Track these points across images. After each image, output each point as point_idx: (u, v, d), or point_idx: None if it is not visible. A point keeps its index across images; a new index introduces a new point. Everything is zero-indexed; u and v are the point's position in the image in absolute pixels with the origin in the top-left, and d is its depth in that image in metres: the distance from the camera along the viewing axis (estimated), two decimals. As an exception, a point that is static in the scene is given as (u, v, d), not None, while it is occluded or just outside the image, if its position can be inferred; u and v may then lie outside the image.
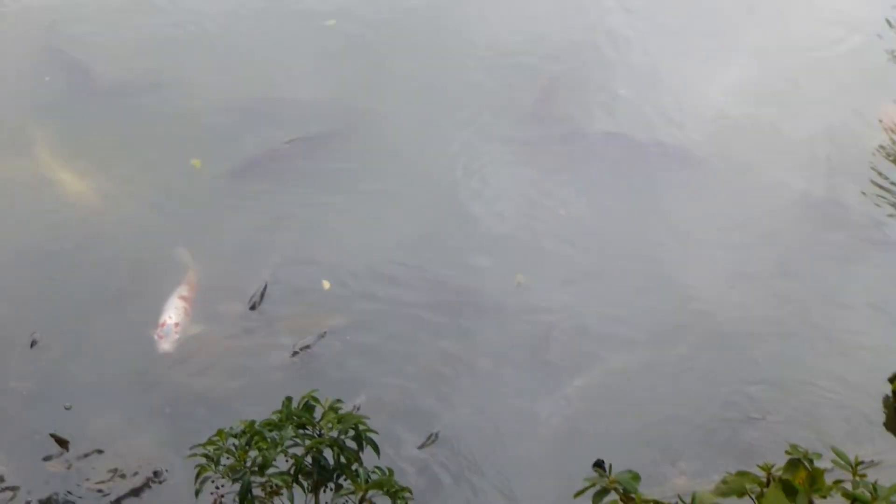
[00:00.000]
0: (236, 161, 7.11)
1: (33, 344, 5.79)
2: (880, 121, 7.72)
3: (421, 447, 5.35)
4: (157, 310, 5.97)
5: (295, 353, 5.81)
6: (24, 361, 5.71)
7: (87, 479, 5.12)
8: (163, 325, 5.81)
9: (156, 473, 5.17)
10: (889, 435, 5.56)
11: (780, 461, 3.39)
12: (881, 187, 7.18)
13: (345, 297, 6.26)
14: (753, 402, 5.69)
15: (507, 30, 8.46)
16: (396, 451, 5.24)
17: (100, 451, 5.26)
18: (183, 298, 5.99)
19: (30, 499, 5.00)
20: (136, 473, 5.16)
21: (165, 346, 5.75)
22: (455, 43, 8.36)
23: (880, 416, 5.66)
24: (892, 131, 7.68)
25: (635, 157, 7.45)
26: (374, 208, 6.87)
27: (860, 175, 7.28)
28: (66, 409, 5.45)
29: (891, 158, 7.47)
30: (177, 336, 5.79)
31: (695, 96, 7.97)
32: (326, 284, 6.32)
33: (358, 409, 5.37)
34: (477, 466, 5.30)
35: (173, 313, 5.89)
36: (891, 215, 6.98)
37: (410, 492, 3.98)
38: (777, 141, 7.60)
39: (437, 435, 5.41)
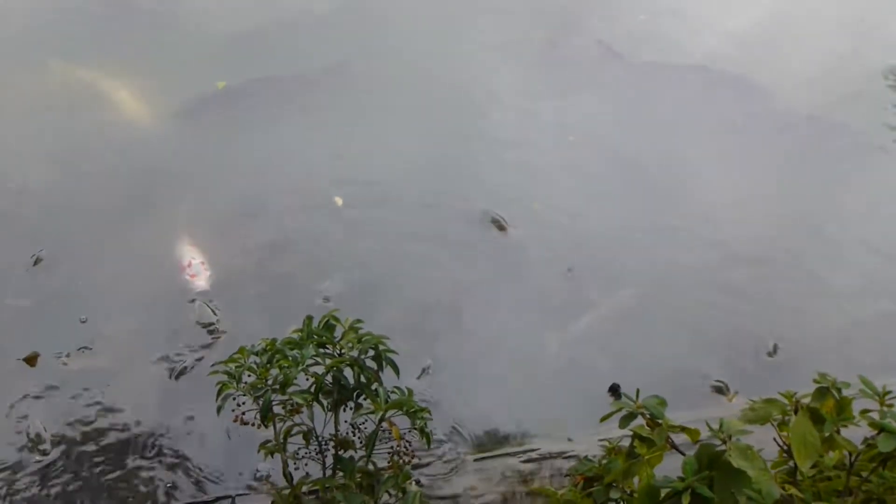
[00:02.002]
0: (259, 81, 7.03)
1: (37, 262, 5.76)
2: None
3: (419, 377, 5.32)
4: (170, 230, 5.95)
5: None
6: (26, 279, 5.67)
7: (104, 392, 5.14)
8: (189, 265, 5.77)
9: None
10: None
11: (801, 388, 3.40)
12: None
13: (356, 214, 6.22)
14: (775, 330, 5.67)
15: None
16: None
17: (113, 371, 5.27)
18: (192, 245, 5.93)
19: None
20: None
21: (200, 282, 5.72)
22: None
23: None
24: None
25: (654, 80, 7.41)
26: (390, 130, 6.79)
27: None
28: (82, 322, 5.44)
29: None
30: (207, 273, 5.76)
31: (713, 19, 7.89)
32: (339, 200, 6.28)
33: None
34: (483, 398, 5.29)
35: (193, 254, 5.85)
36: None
37: (429, 412, 3.99)
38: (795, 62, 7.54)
39: (428, 368, 5.36)
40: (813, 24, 7.90)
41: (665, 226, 6.29)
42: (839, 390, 3.18)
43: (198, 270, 5.76)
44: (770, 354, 5.50)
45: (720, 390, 5.29)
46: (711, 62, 7.52)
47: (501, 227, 6.12)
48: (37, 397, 5.04)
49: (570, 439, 4.90)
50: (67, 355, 5.24)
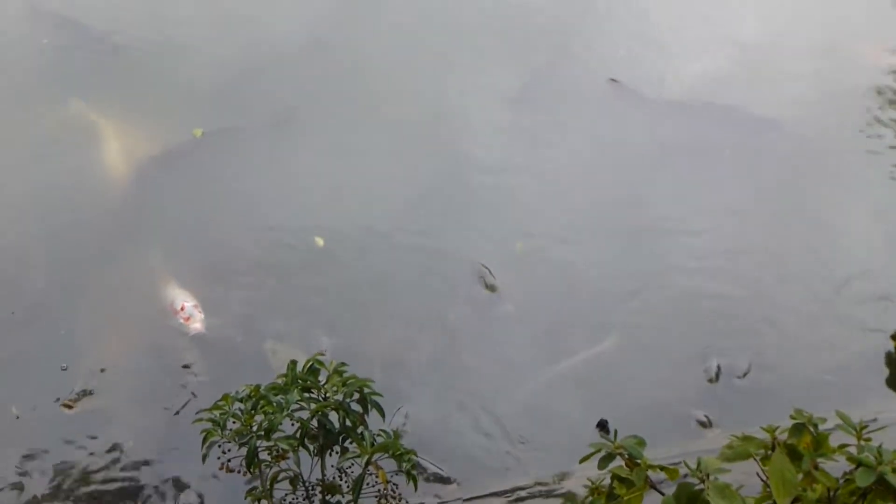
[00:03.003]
0: (236, 127, 7.01)
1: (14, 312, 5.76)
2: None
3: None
4: (155, 276, 5.95)
5: None
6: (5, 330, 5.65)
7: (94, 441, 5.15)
8: (181, 308, 5.68)
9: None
10: (891, 393, 5.59)
11: (778, 416, 3.42)
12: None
13: (338, 256, 6.19)
14: (748, 359, 5.71)
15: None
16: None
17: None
18: (182, 289, 5.85)
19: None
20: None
21: (196, 325, 5.63)
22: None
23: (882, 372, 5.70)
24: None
25: (637, 113, 7.42)
26: (370, 171, 6.76)
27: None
28: (63, 369, 5.44)
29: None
30: (201, 315, 5.67)
31: (688, 48, 7.95)
32: (320, 241, 6.26)
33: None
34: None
35: (184, 297, 5.77)
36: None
37: (416, 454, 4.01)
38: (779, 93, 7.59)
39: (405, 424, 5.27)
40: (788, 54, 7.92)
41: (649, 269, 6.26)
42: (816, 426, 3.20)
43: (191, 313, 5.69)
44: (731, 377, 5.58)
45: (704, 425, 5.32)
46: (692, 96, 7.53)
47: (492, 288, 6.09)
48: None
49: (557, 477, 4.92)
50: (58, 401, 5.27)
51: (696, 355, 5.71)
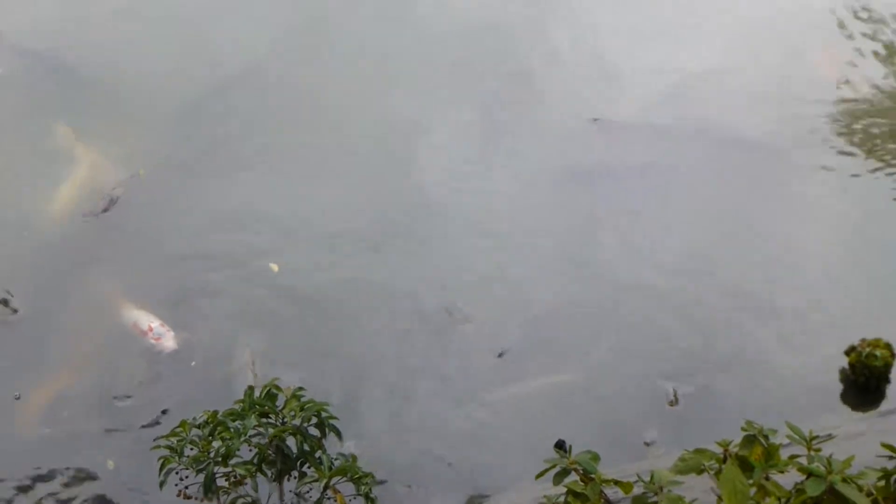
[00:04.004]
0: (189, 156, 7.03)
1: None
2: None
3: None
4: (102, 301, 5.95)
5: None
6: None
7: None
8: (150, 330, 5.73)
9: None
10: (845, 408, 5.67)
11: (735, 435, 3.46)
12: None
13: (293, 282, 6.21)
14: (707, 378, 5.78)
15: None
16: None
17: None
18: (146, 311, 5.88)
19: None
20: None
21: (169, 343, 5.69)
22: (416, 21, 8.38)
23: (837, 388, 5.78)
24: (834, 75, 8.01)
25: (595, 138, 7.49)
26: (326, 188, 6.82)
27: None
28: (16, 398, 5.40)
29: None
30: (172, 333, 5.71)
31: (643, 73, 8.03)
32: (275, 267, 6.27)
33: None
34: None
35: (149, 318, 5.80)
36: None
37: (373, 477, 4.02)
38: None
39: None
40: (745, 74, 8.04)
41: (606, 294, 6.33)
42: (766, 437, 3.24)
43: (161, 333, 5.72)
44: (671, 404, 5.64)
45: (647, 444, 5.43)
46: (650, 119, 7.61)
47: (458, 319, 6.09)
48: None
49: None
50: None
51: (654, 379, 5.79)
